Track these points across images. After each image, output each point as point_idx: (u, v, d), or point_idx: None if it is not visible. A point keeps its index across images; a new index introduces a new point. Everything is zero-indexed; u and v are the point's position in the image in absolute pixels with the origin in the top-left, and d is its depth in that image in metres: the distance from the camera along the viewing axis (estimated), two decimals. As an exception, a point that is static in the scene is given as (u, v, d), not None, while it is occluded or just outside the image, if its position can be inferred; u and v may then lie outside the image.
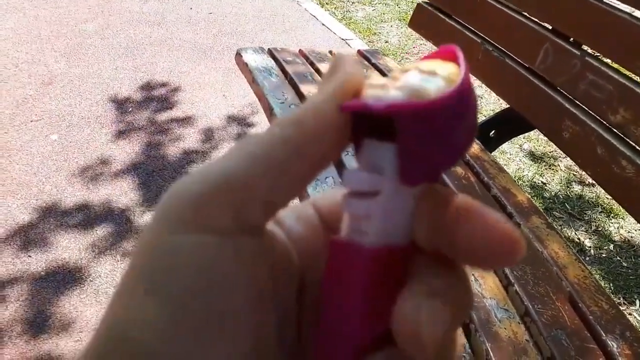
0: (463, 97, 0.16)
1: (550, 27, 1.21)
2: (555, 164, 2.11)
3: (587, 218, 1.83)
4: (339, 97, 0.17)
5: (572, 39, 1.15)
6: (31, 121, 2.05)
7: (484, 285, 0.87)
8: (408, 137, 0.16)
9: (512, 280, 0.88)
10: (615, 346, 0.77)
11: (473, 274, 0.88)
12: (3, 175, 1.75)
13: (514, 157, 2.12)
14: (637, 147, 0.95)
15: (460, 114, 0.16)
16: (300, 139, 0.17)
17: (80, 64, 2.52)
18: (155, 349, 0.15)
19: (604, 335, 0.78)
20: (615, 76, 1.01)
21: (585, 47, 1.11)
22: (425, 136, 0.16)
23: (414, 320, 0.16)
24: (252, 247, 0.17)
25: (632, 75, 1.03)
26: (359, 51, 1.63)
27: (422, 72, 0.16)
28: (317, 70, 1.46)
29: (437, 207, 0.17)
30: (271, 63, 1.45)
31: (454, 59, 0.17)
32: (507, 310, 0.83)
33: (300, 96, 1.31)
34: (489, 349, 0.75)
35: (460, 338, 0.78)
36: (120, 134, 2.02)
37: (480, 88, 2.60)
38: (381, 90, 0.16)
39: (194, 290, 0.16)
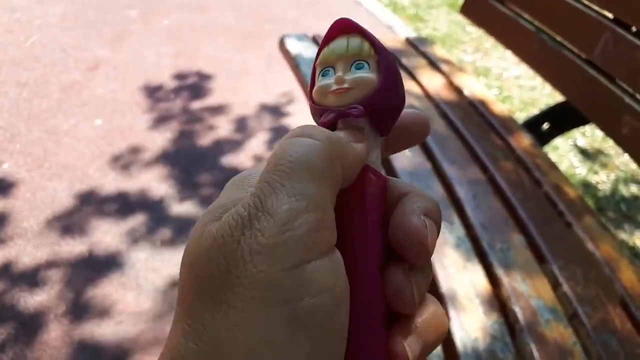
0: (390, 71, 0.23)
1: (611, 17, 1.13)
2: (611, 161, 2.00)
3: (643, 220, 1.74)
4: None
5: (634, 28, 1.08)
6: (77, 106, 2.09)
7: (532, 285, 0.84)
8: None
9: (561, 281, 0.84)
10: (677, 361, 0.71)
11: (520, 275, 0.85)
12: (51, 159, 1.79)
13: (567, 153, 2.03)
14: None
15: (393, 82, 0.24)
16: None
17: (124, 50, 2.55)
18: None
19: (663, 347, 0.73)
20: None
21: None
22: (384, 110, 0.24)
23: (420, 230, 0.21)
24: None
25: None
26: (407, 39, 1.58)
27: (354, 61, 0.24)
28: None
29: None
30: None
31: (353, 29, 0.24)
32: (555, 311, 0.80)
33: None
34: (533, 350, 0.72)
35: (504, 337, 0.76)
36: (161, 120, 2.04)
37: (533, 80, 2.51)
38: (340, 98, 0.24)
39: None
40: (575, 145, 2.06)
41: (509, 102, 2.33)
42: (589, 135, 2.12)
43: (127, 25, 2.81)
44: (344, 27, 0.24)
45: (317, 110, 0.24)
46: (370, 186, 0.22)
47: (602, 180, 1.90)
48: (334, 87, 0.23)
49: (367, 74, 0.23)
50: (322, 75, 0.24)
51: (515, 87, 2.47)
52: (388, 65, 0.23)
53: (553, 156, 1.96)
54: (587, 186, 1.86)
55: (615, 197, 1.82)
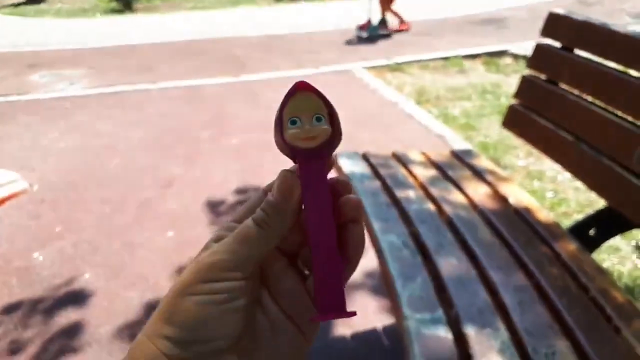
0: (337, 120, 0.35)
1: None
2: (676, 263, 1.93)
3: None
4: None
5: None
6: (152, 219, 2.29)
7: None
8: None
9: (617, 395, 0.83)
10: None
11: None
12: (126, 270, 1.95)
13: (630, 254, 1.98)
14: None
15: (339, 128, 0.35)
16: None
17: (195, 168, 2.80)
18: None
19: None
20: None
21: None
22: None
23: (356, 199, 0.35)
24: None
25: None
26: (451, 152, 1.67)
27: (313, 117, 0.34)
28: (410, 173, 1.53)
29: None
30: (365, 167, 1.54)
31: (309, 88, 0.34)
32: None
33: (394, 199, 1.37)
34: None
35: None
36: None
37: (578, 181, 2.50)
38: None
39: None
40: (638, 246, 2.01)
41: (565, 205, 2.33)
42: (652, 236, 2.07)
43: (199, 145, 3.10)
44: (302, 87, 0.34)
45: (290, 149, 0.34)
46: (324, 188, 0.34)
47: (671, 283, 1.82)
48: (303, 135, 0.34)
49: (325, 126, 0.34)
50: (291, 124, 0.34)
51: (570, 190, 2.47)
52: (335, 116, 0.35)
53: (614, 258, 1.92)
54: (655, 290, 1.79)
55: (686, 302, 1.73)
